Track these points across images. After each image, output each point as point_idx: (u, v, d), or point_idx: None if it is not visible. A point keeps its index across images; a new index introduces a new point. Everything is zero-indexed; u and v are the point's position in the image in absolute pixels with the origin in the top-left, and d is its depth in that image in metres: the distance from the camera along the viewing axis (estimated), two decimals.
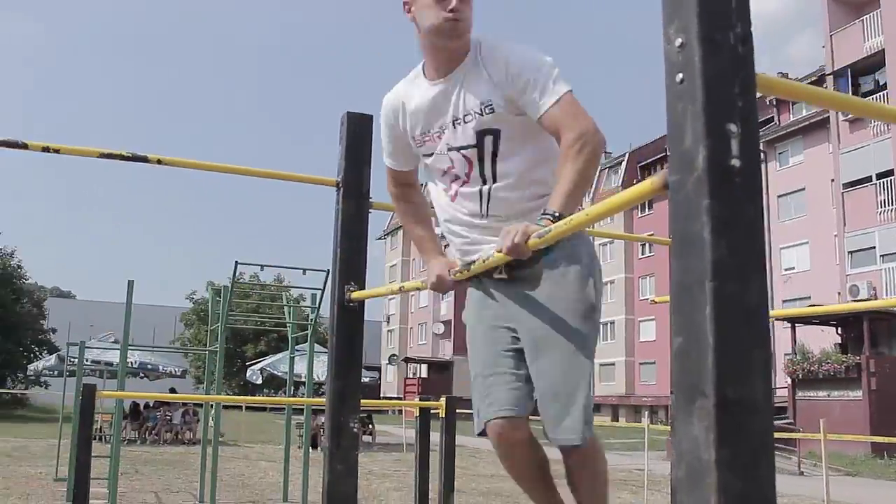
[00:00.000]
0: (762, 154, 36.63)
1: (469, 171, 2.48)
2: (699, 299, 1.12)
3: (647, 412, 44.54)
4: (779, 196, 35.49)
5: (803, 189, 33.38)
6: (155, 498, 10.87)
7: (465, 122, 2.43)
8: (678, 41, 1.19)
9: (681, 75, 1.18)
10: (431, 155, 2.55)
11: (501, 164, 2.43)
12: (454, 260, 2.54)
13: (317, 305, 10.23)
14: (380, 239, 73.80)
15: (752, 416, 1.10)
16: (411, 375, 55.61)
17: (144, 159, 2.82)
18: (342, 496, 2.84)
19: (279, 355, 21.75)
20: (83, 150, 2.77)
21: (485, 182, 2.44)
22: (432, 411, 5.82)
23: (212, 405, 10.80)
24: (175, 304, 63.41)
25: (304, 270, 9.59)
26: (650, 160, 52.63)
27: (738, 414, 1.09)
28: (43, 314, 43.35)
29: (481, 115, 2.39)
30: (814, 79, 34.95)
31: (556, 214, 2.13)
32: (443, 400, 5.74)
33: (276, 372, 19.64)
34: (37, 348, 41.30)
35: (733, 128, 1.16)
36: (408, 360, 56.40)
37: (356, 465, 2.89)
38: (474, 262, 2.29)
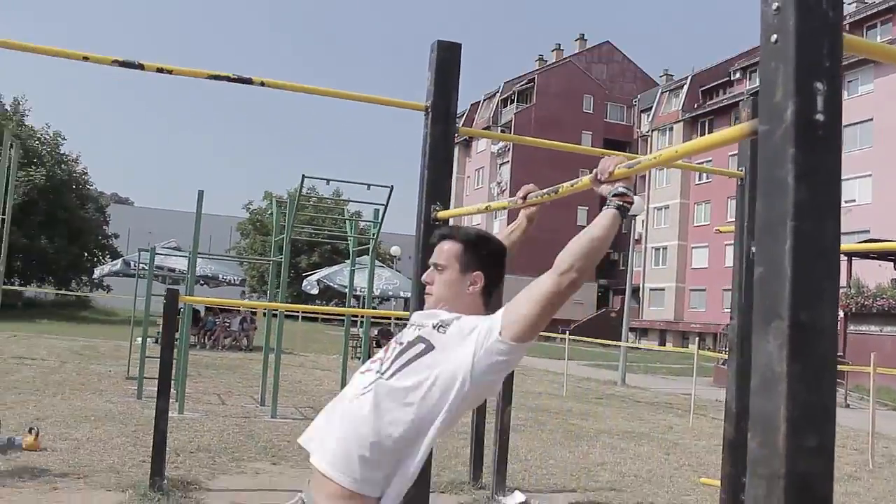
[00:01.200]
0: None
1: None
2: (780, 235, 1.29)
3: (696, 338, 44.77)
4: (844, 126, 34.61)
5: (871, 119, 32.56)
6: (218, 399, 11.44)
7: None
8: (775, 5, 1.33)
9: (776, 36, 1.33)
10: None
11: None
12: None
13: (379, 220, 10.48)
14: None
15: (820, 338, 1.28)
16: None
17: (249, 81, 3.02)
18: None
19: (335, 267, 22.22)
20: (194, 72, 2.98)
21: None
22: None
23: (275, 313, 11.19)
24: (231, 213, 64.50)
25: (369, 186, 9.79)
26: (712, 85, 51.54)
27: (808, 335, 1.27)
28: (106, 220, 44.53)
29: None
30: (892, 3, 33.74)
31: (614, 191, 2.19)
32: None
33: (332, 284, 20.08)
34: (100, 253, 42.57)
35: (820, 86, 1.31)
36: None
37: None
38: None
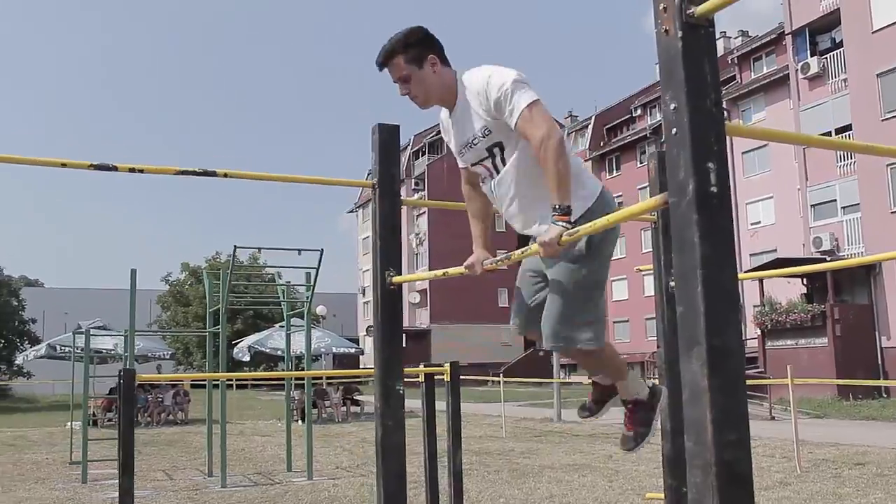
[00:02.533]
0: (726, 112, 37.21)
1: (490, 172, 3.16)
2: (693, 281, 1.70)
3: None
4: (743, 153, 36.34)
5: (767, 145, 34.20)
6: (164, 475, 11.42)
7: (475, 145, 3.17)
8: (672, 105, 1.76)
9: (675, 129, 1.75)
10: (472, 165, 3.24)
11: (508, 161, 3.11)
12: (488, 255, 3.20)
13: (312, 283, 10.75)
14: (351, 212, 74.11)
15: (730, 358, 1.68)
16: None
17: (213, 174, 3.35)
18: (394, 446, 3.44)
19: (265, 332, 22.25)
20: (164, 169, 3.30)
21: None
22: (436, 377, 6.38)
23: (216, 383, 11.29)
24: (146, 286, 63.50)
25: (300, 251, 10.08)
26: (616, 122, 53.29)
27: (721, 356, 1.67)
28: (21, 305, 43.37)
29: (483, 137, 3.12)
30: (773, 36, 35.69)
31: (560, 206, 2.81)
32: (447, 365, 6.30)
33: (264, 348, 20.12)
34: (17, 339, 41.38)
35: (711, 165, 1.73)
36: None
37: (403, 420, 3.48)
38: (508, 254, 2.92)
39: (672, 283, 4.05)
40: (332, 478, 10.63)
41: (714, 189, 1.73)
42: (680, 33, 1.75)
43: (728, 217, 1.74)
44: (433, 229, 57.97)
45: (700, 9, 1.75)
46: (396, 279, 3.41)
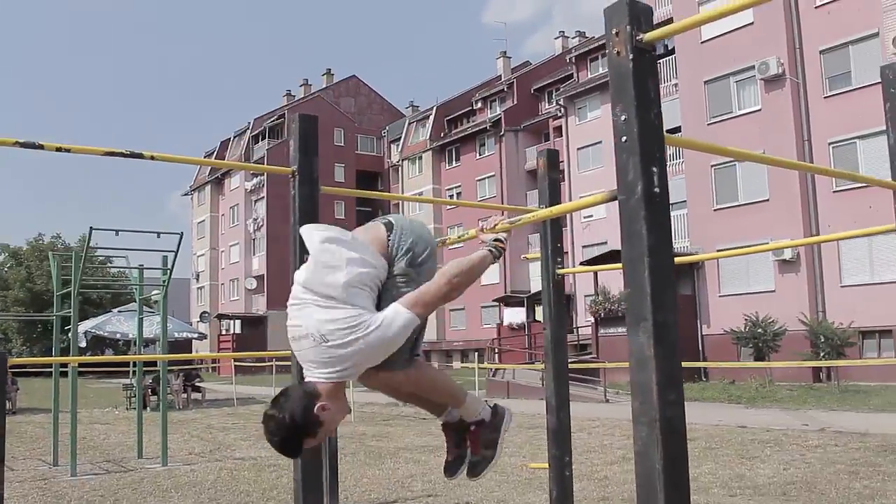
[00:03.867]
0: (563, 109, 38.55)
1: None
2: (640, 267, 2.01)
3: (458, 355, 46.87)
4: (578, 148, 37.98)
5: (601, 142, 35.88)
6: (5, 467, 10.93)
7: None
8: (623, 117, 2.06)
9: (625, 138, 2.06)
10: None
11: None
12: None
13: (170, 267, 10.58)
14: (185, 195, 71.94)
15: (669, 330, 2.01)
16: (225, 332, 55.24)
17: (140, 155, 3.41)
18: None
19: (104, 317, 21.45)
20: (90, 150, 3.33)
21: None
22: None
23: (64, 369, 10.91)
24: None
25: (159, 234, 9.91)
26: (456, 114, 54.25)
27: (663, 329, 1.99)
28: None
29: None
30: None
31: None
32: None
33: (102, 332, 19.41)
34: None
35: (655, 169, 2.04)
36: (220, 316, 55.94)
37: None
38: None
39: (559, 271, 4.42)
40: (188, 463, 10.53)
41: (657, 190, 2.04)
42: (631, 56, 2.05)
43: (667, 213, 2.06)
44: (271, 215, 57.21)
45: (647, 36, 2.06)
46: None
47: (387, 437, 13.25)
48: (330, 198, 53.91)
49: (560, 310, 4.39)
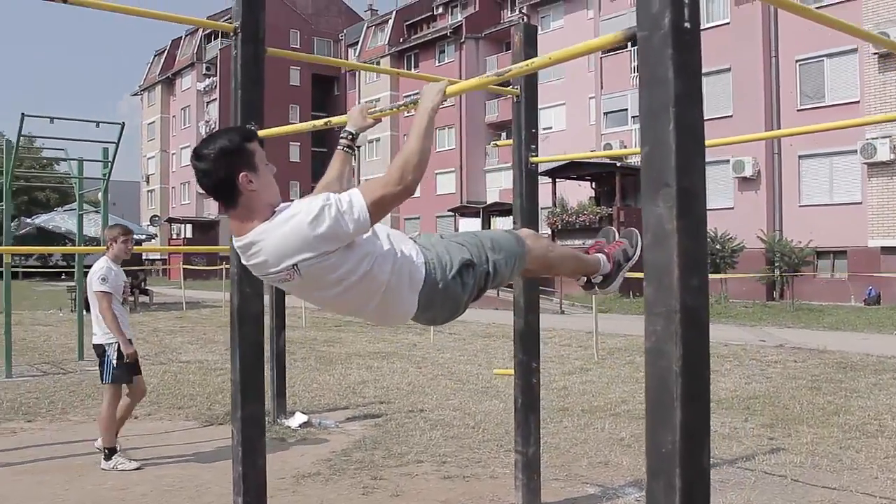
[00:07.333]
0: (525, 18, 37.53)
1: None
2: (664, 119, 1.59)
3: None
4: None
5: None
6: None
7: None
8: None
9: None
10: None
11: None
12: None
13: (111, 159, 9.96)
14: (135, 95, 69.74)
15: (697, 201, 1.61)
16: (175, 236, 54.24)
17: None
18: (252, 315, 3.23)
19: (48, 214, 20.66)
20: None
21: None
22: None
23: None
24: None
25: (98, 123, 9.26)
26: (417, 19, 52.79)
27: (689, 198, 1.59)
28: None
29: None
30: None
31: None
32: None
33: (49, 227, 18.66)
34: None
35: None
36: (171, 220, 54.94)
37: (262, 290, 3.25)
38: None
39: (532, 158, 4.00)
40: None
41: (687, 25, 1.62)
42: None
43: (698, 56, 1.64)
44: (224, 116, 55.64)
45: None
46: (261, 133, 3.10)
47: (338, 342, 12.96)
48: (284, 140, 52.37)
49: (533, 203, 4.00)
